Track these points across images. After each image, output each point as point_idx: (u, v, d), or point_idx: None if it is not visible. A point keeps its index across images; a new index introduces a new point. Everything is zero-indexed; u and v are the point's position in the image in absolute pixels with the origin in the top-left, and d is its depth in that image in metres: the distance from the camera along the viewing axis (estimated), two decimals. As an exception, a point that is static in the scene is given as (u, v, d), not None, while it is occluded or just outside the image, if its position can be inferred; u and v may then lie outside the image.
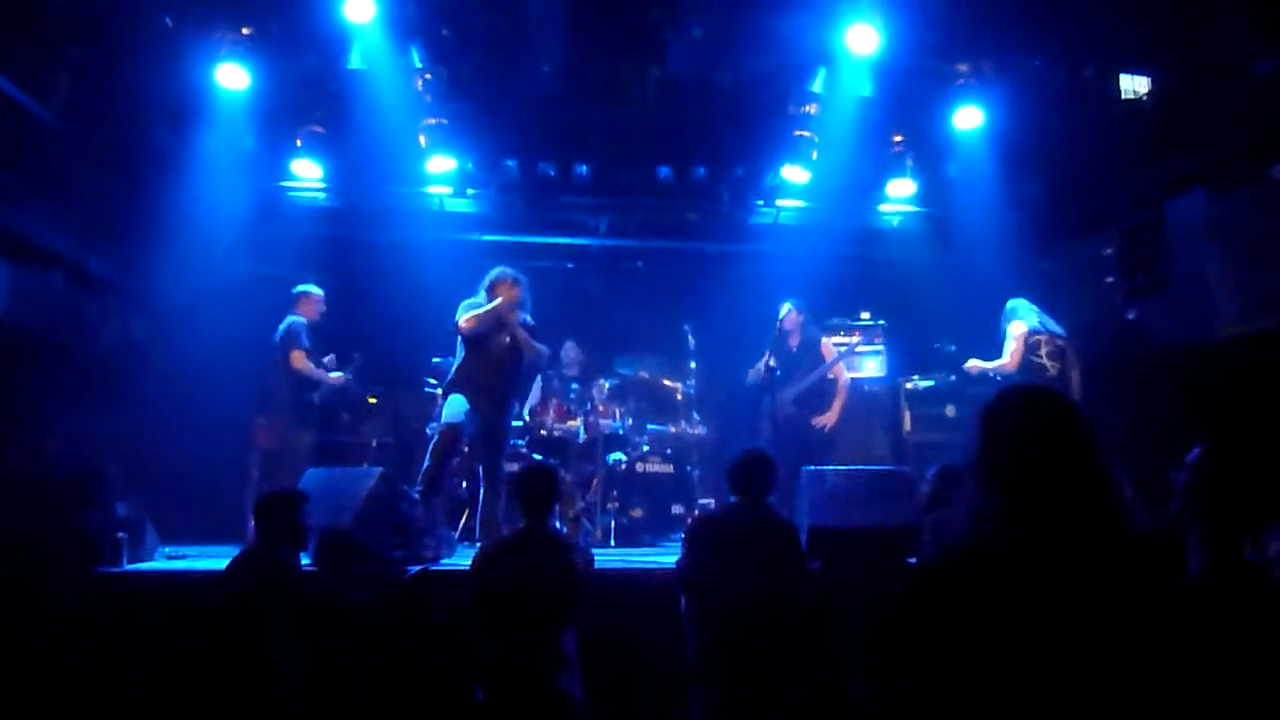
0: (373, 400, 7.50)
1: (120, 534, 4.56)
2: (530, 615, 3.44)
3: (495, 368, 5.79)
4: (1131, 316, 6.91)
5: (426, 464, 5.52)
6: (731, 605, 3.51)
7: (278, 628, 3.51)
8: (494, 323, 5.76)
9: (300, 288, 6.58)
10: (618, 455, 7.04)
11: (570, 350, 7.58)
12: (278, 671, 3.48)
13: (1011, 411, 1.74)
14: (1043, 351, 6.05)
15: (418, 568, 4.54)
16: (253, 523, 3.82)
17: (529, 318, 5.88)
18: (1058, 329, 6.12)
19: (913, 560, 4.43)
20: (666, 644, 4.30)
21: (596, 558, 5.25)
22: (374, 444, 7.18)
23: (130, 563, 4.61)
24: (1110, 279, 7.23)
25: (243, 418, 7.05)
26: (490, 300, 5.80)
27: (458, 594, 4.14)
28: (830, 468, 4.98)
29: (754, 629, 3.46)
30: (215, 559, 5.05)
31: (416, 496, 5.10)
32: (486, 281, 5.89)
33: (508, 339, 5.79)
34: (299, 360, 6.25)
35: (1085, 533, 1.61)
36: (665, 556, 5.77)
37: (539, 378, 7.29)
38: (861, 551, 4.42)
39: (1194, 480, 2.26)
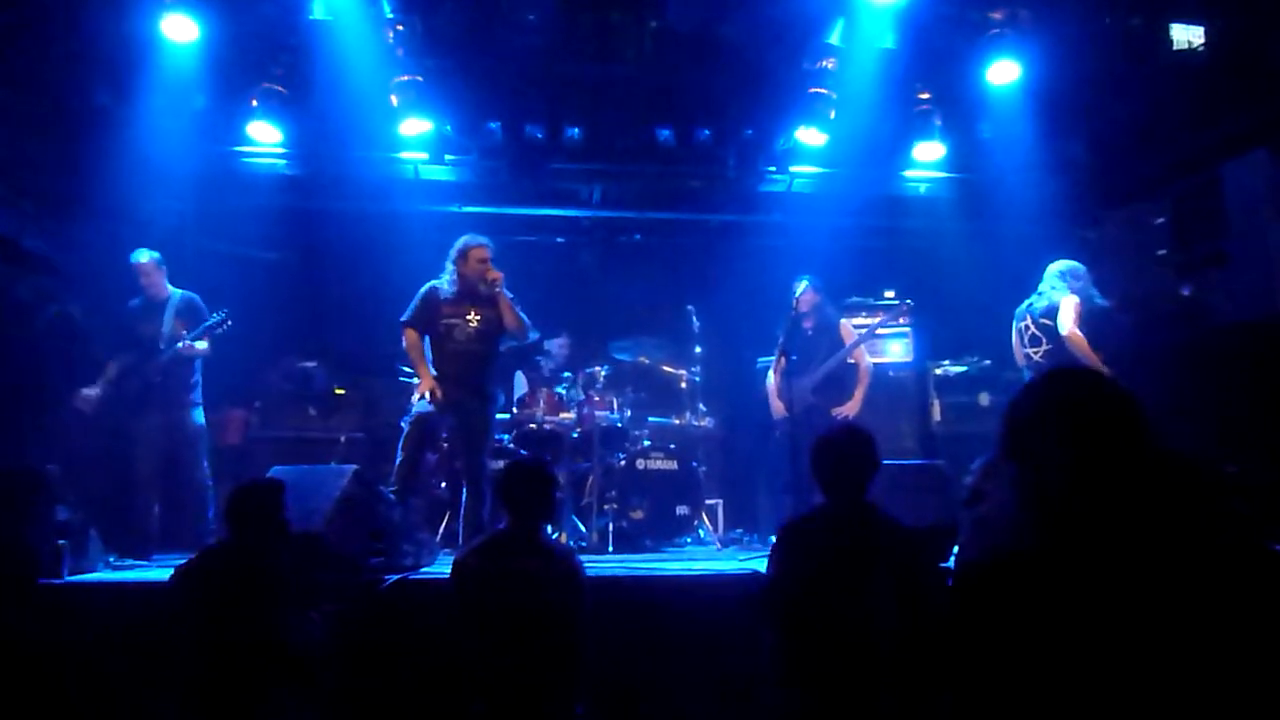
0: (341, 391, 7.48)
1: (61, 542, 4.54)
2: (521, 631, 3.41)
3: (465, 355, 5.78)
4: (1187, 292, 6.88)
5: (398, 460, 5.52)
6: (827, 637, 3.03)
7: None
8: (462, 298, 5.79)
9: None
10: (616, 451, 7.02)
11: (562, 347, 7.54)
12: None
13: (1032, 401, 1.79)
14: (1025, 340, 6.25)
15: (396, 576, 4.53)
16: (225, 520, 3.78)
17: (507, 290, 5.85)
18: (1045, 301, 6.18)
19: (947, 565, 4.41)
20: (671, 661, 4.31)
21: (593, 565, 5.29)
22: (343, 439, 7.17)
23: (72, 574, 4.57)
24: (1163, 251, 7.18)
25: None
26: (460, 270, 5.80)
27: (439, 605, 4.13)
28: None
29: (856, 663, 2.98)
30: (167, 568, 5.03)
31: (392, 497, 5.08)
32: (454, 253, 5.90)
33: (475, 322, 5.77)
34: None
35: (1136, 522, 1.63)
36: (669, 563, 5.78)
37: (519, 371, 7.27)
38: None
39: None
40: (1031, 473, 1.75)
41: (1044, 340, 6.15)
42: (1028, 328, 6.27)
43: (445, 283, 5.85)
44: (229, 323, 6.28)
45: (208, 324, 6.24)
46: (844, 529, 3.20)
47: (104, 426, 6.25)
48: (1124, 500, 1.65)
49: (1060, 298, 6.12)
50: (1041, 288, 6.31)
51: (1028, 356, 6.25)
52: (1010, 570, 1.66)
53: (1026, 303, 6.35)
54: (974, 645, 1.63)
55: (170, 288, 6.40)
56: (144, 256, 6.36)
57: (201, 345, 6.25)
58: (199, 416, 6.30)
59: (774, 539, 3.41)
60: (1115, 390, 1.76)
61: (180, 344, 6.16)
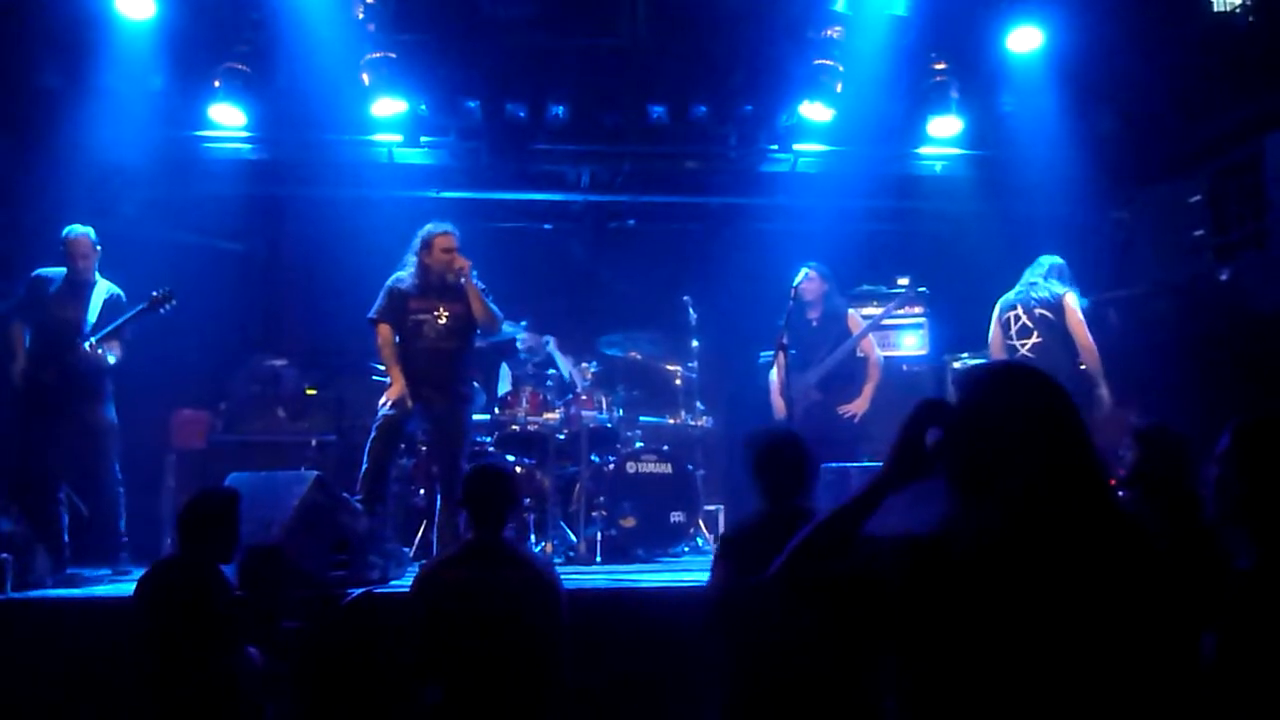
0: (312, 392, 7.50)
1: (3, 555, 4.58)
2: (488, 650, 3.42)
3: (436, 352, 5.80)
4: (1225, 276, 6.83)
5: (364, 465, 5.55)
6: (764, 648, 3.19)
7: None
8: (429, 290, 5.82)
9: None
10: (605, 454, 7.03)
11: (529, 339, 7.54)
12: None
13: (971, 395, 1.89)
14: (1013, 331, 6.27)
15: (360, 590, 4.56)
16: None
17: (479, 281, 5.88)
18: (1042, 292, 6.22)
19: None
20: (663, 681, 4.31)
21: (580, 576, 5.31)
22: (314, 443, 7.18)
23: (15, 590, 4.62)
24: (1199, 231, 7.13)
25: (158, 414, 7.10)
26: (424, 261, 5.84)
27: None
28: (857, 464, 4.96)
29: (798, 688, 3.14)
30: (121, 583, 5.08)
31: (359, 505, 5.11)
32: (417, 243, 5.93)
33: (444, 317, 5.79)
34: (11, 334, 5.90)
35: (1069, 520, 1.71)
36: (663, 574, 5.79)
37: (504, 363, 7.26)
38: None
39: (1226, 472, 2.30)
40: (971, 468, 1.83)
41: (1035, 333, 6.17)
42: (1018, 317, 6.26)
43: (408, 275, 5.89)
44: (173, 300, 5.92)
45: (138, 309, 5.88)
46: (783, 535, 3.27)
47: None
48: (1063, 500, 1.73)
49: (1062, 292, 6.18)
50: (1032, 278, 6.35)
51: (1011, 348, 6.24)
52: (955, 563, 1.71)
53: (1016, 292, 6.36)
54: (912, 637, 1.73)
55: (98, 275, 6.07)
56: (82, 231, 5.98)
57: (114, 352, 5.87)
58: (113, 412, 5.98)
59: (716, 546, 3.61)
60: (1057, 387, 1.85)
61: (93, 341, 5.76)
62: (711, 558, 3.56)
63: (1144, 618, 1.66)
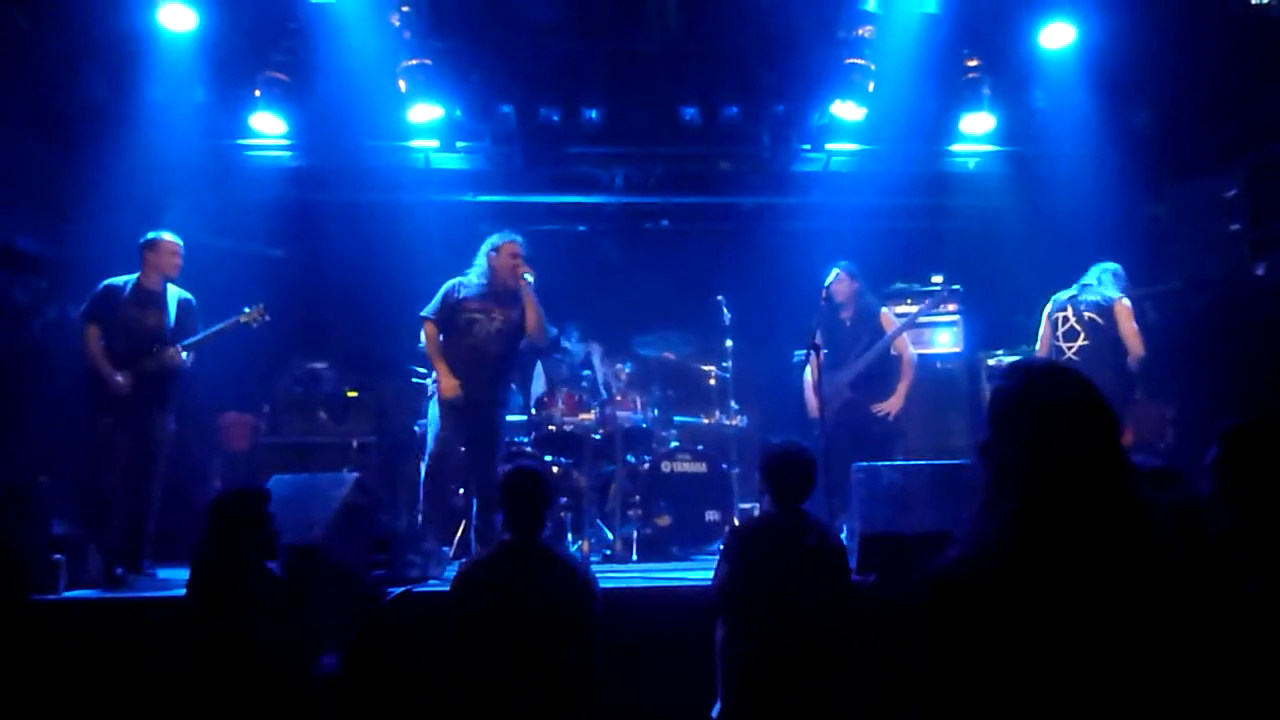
0: (352, 394, 7.54)
1: (57, 556, 4.65)
2: (522, 649, 3.44)
3: (483, 354, 5.85)
4: (1260, 271, 6.75)
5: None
6: (769, 634, 3.56)
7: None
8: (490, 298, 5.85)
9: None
10: (640, 453, 7.03)
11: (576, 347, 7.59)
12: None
13: (1015, 395, 1.82)
14: (1060, 332, 6.23)
15: (400, 590, 4.59)
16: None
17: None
18: (1094, 295, 6.17)
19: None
20: (698, 677, 4.31)
21: (616, 575, 5.31)
22: (355, 445, 7.25)
23: (69, 589, 4.68)
24: (1235, 225, 7.07)
25: (205, 415, 7.20)
26: (492, 264, 5.90)
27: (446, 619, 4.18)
28: (888, 463, 4.94)
29: (793, 662, 3.52)
30: (173, 587, 5.14)
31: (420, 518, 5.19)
32: (487, 246, 5.97)
33: (498, 321, 5.84)
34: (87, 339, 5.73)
35: (1103, 538, 1.66)
36: (697, 572, 5.76)
37: (539, 364, 7.29)
38: (924, 563, 4.36)
39: (1220, 487, 2.09)
40: (1011, 470, 1.76)
41: (1082, 335, 6.12)
42: (1066, 319, 6.22)
43: (474, 277, 5.94)
44: (265, 317, 5.98)
45: (231, 320, 5.92)
46: (786, 534, 3.72)
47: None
48: (1100, 513, 1.68)
49: (1115, 297, 6.13)
50: (1086, 280, 6.29)
51: (1059, 350, 6.19)
52: (980, 586, 1.68)
53: (1067, 293, 6.31)
54: (940, 661, 1.69)
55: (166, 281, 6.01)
56: (175, 237, 5.93)
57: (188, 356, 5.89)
58: (173, 421, 5.94)
59: (725, 540, 4.00)
60: (1091, 389, 1.80)
61: (176, 348, 5.77)
62: (721, 550, 3.89)
63: (1157, 637, 1.61)
